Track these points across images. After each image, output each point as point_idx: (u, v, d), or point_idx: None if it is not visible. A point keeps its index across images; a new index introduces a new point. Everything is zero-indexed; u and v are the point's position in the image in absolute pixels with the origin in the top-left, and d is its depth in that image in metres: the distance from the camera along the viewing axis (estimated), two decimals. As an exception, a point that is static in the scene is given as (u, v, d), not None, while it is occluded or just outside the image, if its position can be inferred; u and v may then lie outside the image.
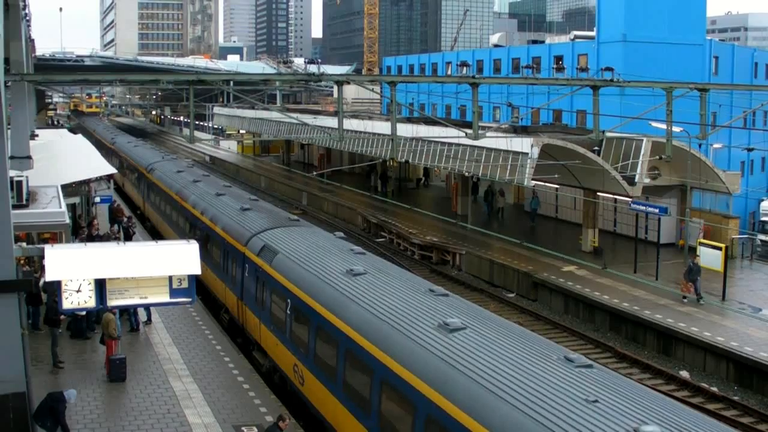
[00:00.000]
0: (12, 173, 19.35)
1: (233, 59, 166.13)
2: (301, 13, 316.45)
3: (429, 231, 39.27)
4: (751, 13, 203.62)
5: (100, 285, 12.46)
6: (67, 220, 22.59)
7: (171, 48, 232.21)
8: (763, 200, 47.05)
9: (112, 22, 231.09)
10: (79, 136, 50.38)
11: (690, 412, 10.19)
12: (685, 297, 27.22)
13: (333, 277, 16.50)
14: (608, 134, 28.38)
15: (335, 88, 27.70)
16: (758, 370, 21.90)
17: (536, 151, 31.20)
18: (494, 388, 10.58)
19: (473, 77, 22.49)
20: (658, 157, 30.17)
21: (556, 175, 33.27)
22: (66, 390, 14.84)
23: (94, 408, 16.66)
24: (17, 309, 13.07)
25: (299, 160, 75.69)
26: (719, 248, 27.22)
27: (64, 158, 33.40)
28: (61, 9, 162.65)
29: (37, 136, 38.55)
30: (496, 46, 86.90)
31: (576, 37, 68.29)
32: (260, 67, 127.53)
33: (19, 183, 21.80)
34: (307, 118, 49.92)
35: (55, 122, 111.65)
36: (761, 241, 38.38)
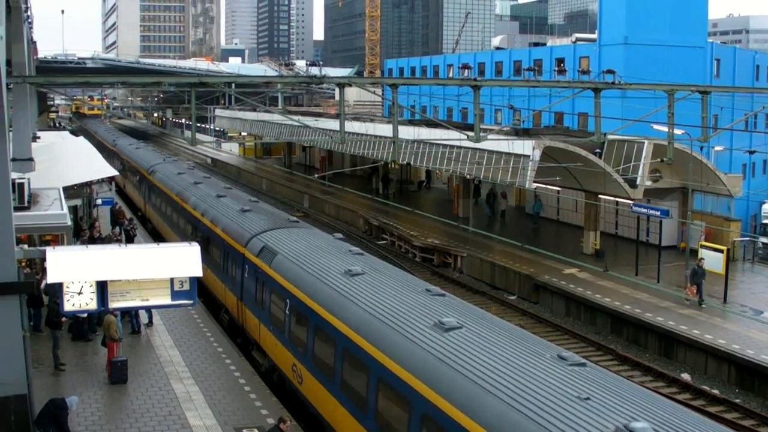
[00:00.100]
0: (14, 175, 19.39)
1: (235, 61, 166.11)
2: (303, 15, 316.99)
3: (430, 233, 39.27)
4: (752, 16, 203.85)
5: (102, 287, 12.50)
6: (69, 222, 22.55)
7: (173, 50, 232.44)
8: (764, 203, 46.92)
9: (114, 24, 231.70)
10: (81, 138, 50.34)
11: (680, 410, 10.26)
12: (687, 300, 27.21)
13: (331, 277, 16.57)
14: (610, 137, 28.35)
15: (337, 91, 27.72)
16: (760, 373, 21.88)
17: (538, 154, 31.21)
18: (489, 386, 10.69)
19: (475, 79, 22.50)
20: (659, 159, 30.16)
21: (557, 178, 33.28)
22: (68, 396, 14.83)
23: (96, 410, 16.66)
24: (18, 311, 13.09)
25: (301, 162, 75.70)
26: (721, 251, 27.26)
27: (66, 160, 33.39)
28: (63, 11, 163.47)
29: (38, 138, 38.61)
30: (497, 48, 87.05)
31: (577, 39, 68.24)
32: (262, 69, 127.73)
33: (21, 185, 21.78)
34: (309, 121, 49.87)
35: (57, 124, 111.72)
36: (763, 243, 38.32)
